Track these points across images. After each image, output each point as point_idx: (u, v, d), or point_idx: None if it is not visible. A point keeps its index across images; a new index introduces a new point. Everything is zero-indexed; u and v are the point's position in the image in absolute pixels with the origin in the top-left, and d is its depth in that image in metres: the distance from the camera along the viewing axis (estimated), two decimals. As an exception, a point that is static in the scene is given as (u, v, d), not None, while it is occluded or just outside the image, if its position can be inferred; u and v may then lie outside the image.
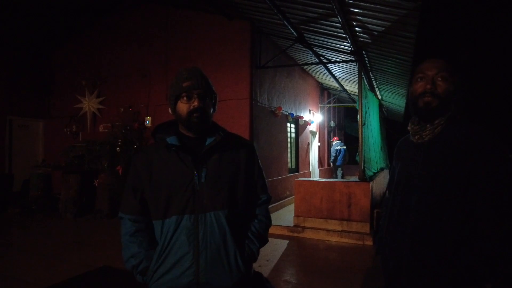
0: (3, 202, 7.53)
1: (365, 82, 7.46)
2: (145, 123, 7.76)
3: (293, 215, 6.10)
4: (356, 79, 7.40)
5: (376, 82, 9.42)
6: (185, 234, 1.28)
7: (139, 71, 8.05)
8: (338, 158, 11.71)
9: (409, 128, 1.42)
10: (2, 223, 6.69)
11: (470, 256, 1.14)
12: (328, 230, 5.69)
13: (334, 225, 5.71)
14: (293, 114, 9.16)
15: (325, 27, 6.10)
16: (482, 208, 1.16)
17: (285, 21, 5.76)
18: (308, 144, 11.15)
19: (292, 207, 6.64)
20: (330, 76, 9.55)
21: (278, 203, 7.87)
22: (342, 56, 7.32)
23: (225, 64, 7.11)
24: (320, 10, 5.40)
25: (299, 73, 10.07)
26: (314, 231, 5.77)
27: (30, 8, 7.60)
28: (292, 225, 6.03)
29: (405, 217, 1.31)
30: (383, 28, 5.32)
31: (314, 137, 11.93)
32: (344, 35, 5.92)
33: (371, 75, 8.60)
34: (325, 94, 12.98)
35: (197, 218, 1.29)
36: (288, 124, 9.26)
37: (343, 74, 9.48)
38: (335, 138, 12.26)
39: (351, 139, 16.63)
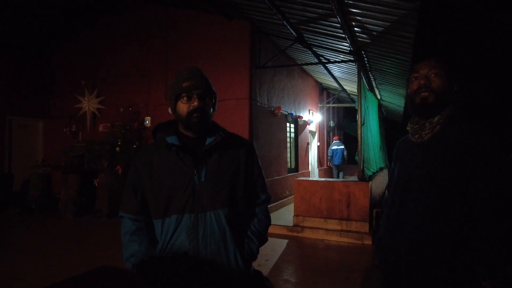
0: (3, 202, 7.53)
1: (364, 82, 7.47)
2: (145, 123, 7.77)
3: (293, 214, 6.11)
4: (356, 79, 7.42)
5: (375, 82, 9.44)
6: (185, 233, 1.29)
7: (139, 71, 8.05)
8: (334, 158, 11.73)
9: (408, 128, 1.42)
10: (2, 223, 6.69)
11: (468, 256, 1.15)
12: (327, 230, 5.70)
13: (333, 224, 5.72)
14: (292, 114, 9.17)
15: (324, 27, 6.11)
16: (481, 208, 1.16)
17: (284, 21, 5.77)
18: (308, 144, 11.16)
19: (291, 206, 6.65)
20: (330, 76, 9.56)
21: (277, 202, 7.88)
22: (341, 56, 7.33)
23: (224, 64, 7.12)
24: (320, 10, 5.41)
25: (299, 73, 10.08)
26: (313, 231, 5.78)
27: (30, 8, 7.60)
28: (291, 224, 6.05)
29: (404, 216, 1.32)
30: (382, 28, 5.34)
31: (313, 137, 11.95)
32: (343, 35, 5.93)
33: (370, 75, 8.62)
34: (325, 94, 12.99)
35: (197, 217, 1.30)
36: (288, 124, 9.28)
37: (342, 74, 9.50)
38: (335, 138, 12.28)
39: (351, 139, 16.65)
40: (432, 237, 1.22)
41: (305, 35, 6.65)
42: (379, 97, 11.24)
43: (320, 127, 12.41)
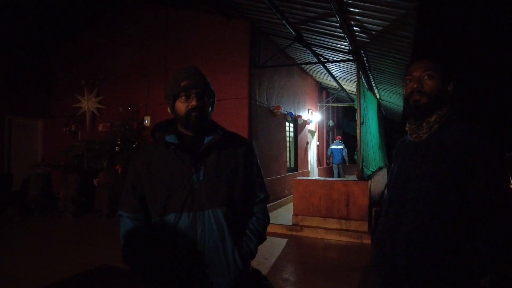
0: (2, 201, 7.54)
1: (364, 81, 7.48)
2: (144, 123, 7.77)
3: (292, 213, 6.12)
4: (355, 78, 7.42)
5: (374, 81, 9.45)
6: (183, 232, 1.30)
7: (139, 71, 8.06)
8: (334, 157, 11.91)
9: (406, 128, 1.43)
10: (1, 223, 6.70)
11: (467, 256, 1.15)
12: (326, 229, 5.72)
13: (332, 223, 5.73)
14: (292, 113, 9.18)
15: (323, 26, 6.12)
16: (480, 208, 1.16)
17: (283, 21, 5.77)
18: (307, 143, 11.17)
19: (291, 206, 6.67)
20: (329, 75, 9.57)
21: (277, 202, 7.89)
22: (340, 55, 7.34)
23: (224, 63, 7.12)
24: (319, 10, 5.42)
25: (298, 72, 10.08)
26: (312, 230, 5.79)
27: (30, 7, 7.60)
28: (290, 223, 6.06)
29: (403, 216, 1.32)
30: (381, 28, 5.35)
31: (313, 136, 11.96)
32: (343, 35, 5.94)
33: (370, 74, 8.63)
34: (324, 93, 13.00)
35: (196, 216, 1.31)
36: (287, 123, 9.29)
37: (341, 74, 9.51)
38: (338, 138, 12.42)
39: (350, 138, 16.66)
40: (432, 236, 1.22)
41: (304, 34, 6.66)
42: (378, 96, 11.25)
43: (320, 126, 12.42)
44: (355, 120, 6.53)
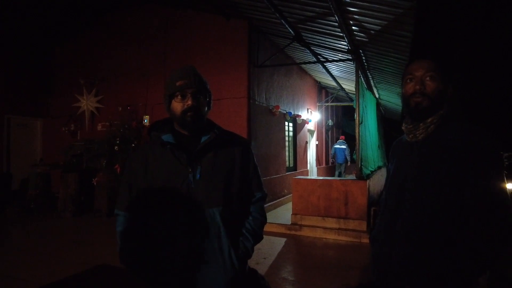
0: (1, 201, 7.53)
1: (362, 81, 7.48)
2: (143, 122, 7.77)
3: (291, 213, 6.13)
4: (354, 77, 7.42)
5: (373, 80, 9.45)
6: (179, 231, 1.30)
7: (138, 70, 8.05)
8: (337, 157, 12.10)
9: (403, 127, 1.43)
10: (1, 222, 6.69)
11: (463, 254, 1.15)
12: (325, 228, 5.72)
13: (331, 223, 5.74)
14: (291, 113, 9.18)
15: (322, 26, 6.12)
16: (477, 207, 1.16)
17: (282, 20, 5.77)
18: (306, 142, 11.17)
19: (289, 205, 6.67)
20: (328, 75, 9.57)
21: (276, 201, 7.89)
22: (339, 55, 7.34)
23: (223, 63, 7.12)
24: (317, 9, 5.42)
25: (297, 72, 10.08)
26: (311, 229, 5.80)
27: (30, 7, 7.59)
28: (289, 223, 6.06)
29: (400, 216, 1.32)
30: (380, 27, 5.35)
31: (312, 136, 11.96)
32: (341, 34, 5.94)
33: (369, 73, 8.63)
34: (323, 93, 13.00)
35: (192, 215, 1.31)
36: (286, 123, 9.29)
37: (340, 73, 9.51)
38: (341, 138, 12.61)
39: (349, 138, 16.66)
40: (428, 236, 1.22)
41: (303, 34, 6.66)
42: (377, 96, 11.25)
43: (319, 126, 12.42)
44: (354, 120, 6.54)
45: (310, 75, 11.34)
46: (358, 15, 5.16)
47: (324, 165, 13.00)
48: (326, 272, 4.05)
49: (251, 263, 1.46)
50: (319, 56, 7.78)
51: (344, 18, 5.31)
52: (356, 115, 6.27)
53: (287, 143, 9.33)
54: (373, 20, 5.17)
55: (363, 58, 7.29)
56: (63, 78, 9.18)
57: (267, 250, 4.81)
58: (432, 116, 1.31)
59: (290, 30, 6.20)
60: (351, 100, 12.44)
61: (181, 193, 1.31)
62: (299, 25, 6.31)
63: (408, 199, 1.30)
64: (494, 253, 1.13)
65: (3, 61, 8.42)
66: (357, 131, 6.19)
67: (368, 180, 5.85)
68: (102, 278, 3.86)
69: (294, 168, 9.91)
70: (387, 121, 16.00)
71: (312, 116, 11.34)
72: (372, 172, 6.94)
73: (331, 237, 5.62)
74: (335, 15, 5.09)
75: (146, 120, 7.75)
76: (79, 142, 8.15)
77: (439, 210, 1.22)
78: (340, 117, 15.99)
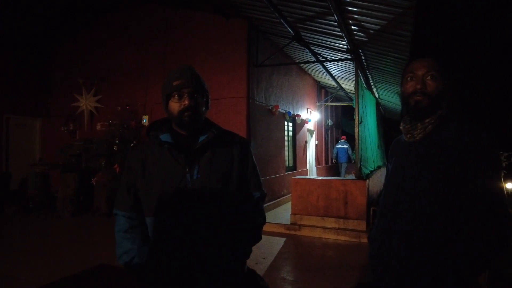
0: (0, 201, 7.52)
1: (362, 80, 7.47)
2: (142, 122, 7.77)
3: (290, 213, 6.12)
4: (353, 77, 7.41)
5: (373, 80, 9.45)
6: (177, 231, 1.29)
7: (137, 70, 8.05)
8: (339, 157, 12.40)
9: (401, 127, 1.42)
10: (0, 222, 6.69)
11: (461, 254, 1.15)
12: (324, 228, 5.72)
13: (330, 223, 5.74)
14: (290, 112, 9.17)
15: (321, 25, 6.11)
16: (475, 207, 1.15)
17: (281, 20, 5.77)
18: (306, 142, 11.17)
19: (289, 205, 6.67)
20: (327, 74, 9.57)
21: (275, 201, 7.89)
22: (339, 54, 7.33)
23: (222, 62, 7.12)
24: (317, 9, 5.41)
25: (297, 71, 10.08)
26: (310, 229, 5.80)
27: (29, 7, 7.57)
28: (289, 223, 6.06)
29: (398, 216, 1.31)
30: (379, 27, 5.34)
31: (311, 136, 11.96)
32: (341, 34, 5.94)
33: (368, 73, 8.62)
34: (323, 92, 12.99)
35: (189, 215, 1.30)
36: (286, 123, 9.28)
37: (340, 73, 9.50)
38: (343, 138, 12.85)
39: (349, 138, 16.66)
40: (426, 236, 1.21)
41: (302, 33, 6.65)
42: (377, 95, 11.26)
43: (318, 125, 12.42)
44: (353, 119, 6.53)
45: (309, 75, 11.34)
46: (357, 15, 5.16)
47: (323, 164, 12.99)
48: (326, 272, 4.05)
49: (250, 263, 1.45)
50: (318, 56, 7.77)
51: (344, 17, 5.30)
52: (355, 115, 6.26)
53: (286, 143, 9.33)
54: (372, 19, 5.17)
55: (363, 57, 7.29)
56: (62, 78, 9.17)
57: (267, 250, 4.81)
58: (431, 116, 1.30)
59: (290, 30, 6.20)
60: (351, 99, 12.44)
61: (179, 192, 1.31)
62: (299, 25, 6.30)
63: (407, 199, 1.30)
64: (493, 253, 1.13)
65: (2, 60, 8.40)
66: (356, 130, 6.19)
67: (367, 180, 5.85)
68: (102, 278, 3.85)
69: (294, 168, 9.90)
70: (386, 121, 16.00)
71: (311, 116, 11.34)
72: (371, 172, 6.94)
73: (331, 237, 5.61)
74: (335, 15, 5.08)
75: (145, 120, 7.75)
76: (78, 141, 8.14)
77: (437, 210, 1.21)
78: (339, 116, 15.99)
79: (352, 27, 5.67)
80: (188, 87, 1.34)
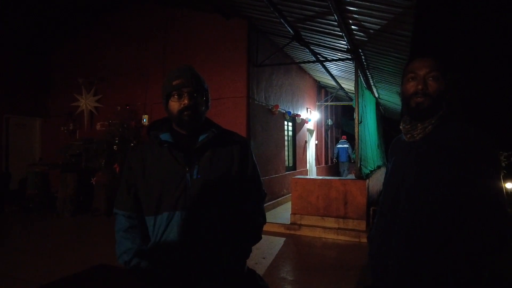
0: (0, 200, 7.51)
1: (362, 80, 7.47)
2: (142, 121, 7.77)
3: (290, 212, 6.12)
4: (353, 77, 7.41)
5: (373, 80, 9.44)
6: (176, 231, 1.29)
7: (137, 70, 8.05)
8: (340, 156, 12.61)
9: (401, 127, 1.42)
10: (0, 222, 6.69)
11: (461, 254, 1.15)
12: (324, 228, 5.72)
13: (330, 222, 5.74)
14: (290, 112, 9.17)
15: (321, 25, 6.11)
16: (475, 207, 1.15)
17: (281, 19, 5.77)
18: (306, 142, 11.17)
19: (289, 205, 6.67)
20: (327, 74, 9.57)
21: (275, 200, 7.89)
22: (339, 54, 7.33)
23: (222, 62, 7.12)
24: (317, 8, 5.41)
25: (296, 71, 10.07)
26: (310, 229, 5.80)
27: (29, 6, 7.57)
28: (288, 222, 6.06)
29: (397, 215, 1.31)
30: (379, 27, 5.34)
31: (311, 135, 11.96)
32: (341, 33, 5.94)
33: (368, 73, 8.62)
34: (323, 92, 12.99)
35: (189, 214, 1.30)
36: (285, 122, 9.28)
37: (340, 72, 9.50)
38: (343, 137, 13.02)
39: (349, 137, 16.66)
40: (425, 236, 1.21)
41: (302, 33, 6.65)
42: (376, 95, 11.26)
43: (318, 125, 12.42)
44: (353, 119, 6.53)
45: (309, 75, 11.34)
46: (357, 15, 5.15)
47: (323, 164, 13.00)
48: (326, 272, 4.05)
49: (250, 263, 1.45)
50: (318, 56, 7.77)
51: (344, 17, 5.30)
52: (355, 115, 6.26)
53: (286, 143, 9.33)
54: (372, 19, 5.16)
55: (363, 57, 7.29)
56: (62, 78, 9.17)
57: (266, 250, 4.81)
58: (432, 117, 1.30)
59: (290, 30, 6.19)
60: (351, 99, 12.44)
61: (178, 192, 1.30)
62: (299, 24, 6.30)
63: (406, 199, 1.30)
64: (493, 253, 1.13)
65: (2, 60, 8.40)
66: (356, 130, 6.19)
67: (367, 180, 5.85)
68: (102, 278, 3.85)
69: (294, 167, 9.90)
70: (386, 121, 16.00)
71: (311, 116, 11.34)
72: (371, 171, 6.94)
73: (331, 236, 5.61)
74: (335, 15, 5.08)
75: (145, 120, 7.75)
76: (78, 141, 8.13)
77: (437, 210, 1.21)
78: (339, 116, 15.99)
79: (352, 27, 5.67)
80: (188, 86, 1.34)
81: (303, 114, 10.50)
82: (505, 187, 9.82)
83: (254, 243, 1.44)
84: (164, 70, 7.61)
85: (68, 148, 7.97)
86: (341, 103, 13.77)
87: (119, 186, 1.47)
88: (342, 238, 5.53)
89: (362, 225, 5.53)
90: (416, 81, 1.30)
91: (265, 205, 1.57)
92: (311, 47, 7.34)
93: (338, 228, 5.64)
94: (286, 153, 9.33)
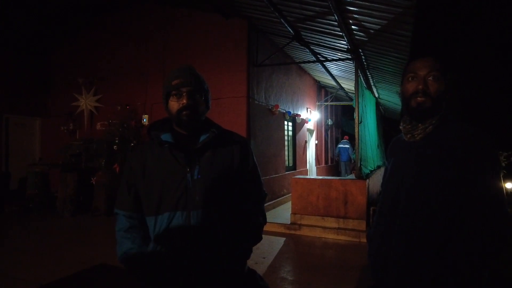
0: (0, 200, 7.51)
1: (362, 80, 7.47)
2: (142, 121, 7.76)
3: (290, 212, 6.12)
4: (353, 77, 7.42)
5: (373, 80, 9.45)
6: (177, 231, 1.29)
7: (137, 70, 8.05)
8: (341, 156, 12.79)
9: (401, 127, 1.41)
10: (0, 222, 6.68)
11: (461, 255, 1.15)
12: (324, 228, 5.72)
13: (330, 222, 5.74)
14: (290, 112, 9.17)
15: (321, 25, 6.11)
16: (475, 207, 1.15)
17: (282, 19, 5.76)
18: (306, 142, 11.17)
19: (289, 204, 6.67)
20: (327, 74, 9.57)
21: (275, 200, 7.89)
22: (339, 54, 7.33)
23: (222, 62, 7.12)
24: (317, 8, 5.41)
25: (296, 71, 10.07)
26: (310, 229, 5.80)
27: (29, 6, 7.57)
28: (289, 222, 6.06)
29: (397, 216, 1.31)
30: (379, 27, 5.34)
31: (311, 135, 11.96)
32: (341, 33, 5.94)
33: (368, 73, 8.62)
34: (323, 92, 12.99)
35: (189, 214, 1.29)
36: (285, 122, 9.28)
37: (340, 72, 9.50)
38: (345, 138, 13.15)
39: (349, 137, 16.66)
40: (425, 236, 1.21)
41: (302, 33, 6.65)
42: (376, 95, 11.26)
43: (318, 125, 12.42)
44: (353, 119, 6.53)
45: (309, 75, 11.34)
46: (357, 15, 5.15)
47: (323, 164, 13.00)
48: (326, 272, 4.05)
49: (250, 262, 1.44)
50: (318, 55, 7.77)
51: (344, 17, 5.30)
52: (355, 115, 6.26)
53: (286, 143, 9.33)
54: (372, 19, 5.17)
55: (363, 57, 7.29)
56: (62, 77, 9.17)
57: (267, 250, 4.81)
58: (432, 117, 1.29)
59: (290, 29, 6.19)
60: (351, 99, 12.44)
61: (179, 192, 1.30)
62: (299, 24, 6.29)
63: (406, 199, 1.29)
64: (493, 253, 1.13)
65: (2, 60, 8.39)
66: (356, 130, 6.19)
67: (367, 180, 5.85)
68: (102, 278, 3.85)
69: (294, 167, 9.90)
70: (386, 121, 16.01)
71: (311, 116, 11.34)
72: (371, 171, 6.95)
73: (331, 236, 5.61)
74: (335, 14, 5.08)
75: (145, 120, 7.75)
76: (78, 141, 8.12)
77: (437, 210, 1.21)
78: (339, 116, 16.00)
79: (352, 26, 5.67)
80: (187, 86, 1.34)
81: (303, 114, 10.50)
82: (505, 187, 9.82)
83: (254, 243, 1.44)
84: (164, 70, 7.61)
85: (68, 148, 7.96)
86: (341, 103, 13.77)
87: (119, 186, 1.47)
88: (342, 238, 5.53)
89: (362, 225, 5.53)
90: (417, 81, 1.29)
91: (265, 205, 1.56)
92: (311, 47, 7.34)
93: (338, 228, 5.64)
94: (286, 153, 9.33)
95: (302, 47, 7.64)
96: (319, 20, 5.89)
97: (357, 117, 6.22)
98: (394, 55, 6.55)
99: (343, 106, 14.89)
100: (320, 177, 6.70)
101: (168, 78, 1.37)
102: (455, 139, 1.23)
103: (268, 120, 7.94)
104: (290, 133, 9.83)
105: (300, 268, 4.31)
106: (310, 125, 11.40)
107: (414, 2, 4.30)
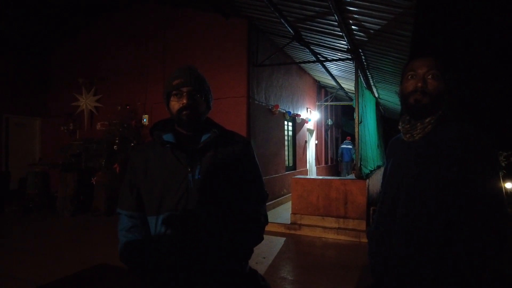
0: (0, 200, 7.51)
1: (362, 80, 7.48)
2: (142, 121, 7.76)
3: (290, 212, 6.13)
4: (353, 77, 7.42)
5: (373, 80, 9.45)
6: (178, 231, 1.29)
7: (137, 69, 8.05)
8: (344, 156, 13.07)
9: (399, 127, 1.41)
10: (0, 222, 6.68)
11: (461, 255, 1.15)
12: (324, 228, 5.72)
13: (330, 222, 5.74)
14: (290, 112, 9.17)
15: (322, 25, 6.11)
16: (475, 208, 1.15)
17: (282, 19, 5.76)
18: (306, 142, 11.17)
19: (289, 204, 6.67)
20: (327, 74, 9.57)
21: (275, 200, 7.89)
22: (339, 54, 7.33)
23: (222, 62, 7.12)
24: (317, 8, 5.41)
25: (296, 71, 10.08)
26: (310, 229, 5.80)
27: (29, 6, 7.57)
28: (289, 222, 6.06)
29: (397, 216, 1.31)
30: (379, 27, 5.35)
31: (311, 135, 11.96)
32: (341, 33, 5.94)
33: (368, 73, 8.63)
34: (323, 92, 12.99)
35: (191, 215, 1.30)
36: (285, 122, 9.28)
37: (340, 72, 9.50)
38: (348, 138, 13.36)
39: (350, 138, 16.67)
40: (424, 236, 1.22)
41: (302, 33, 6.65)
42: (376, 95, 11.26)
43: (318, 125, 12.42)
44: (353, 119, 6.53)
45: (309, 75, 11.34)
46: (357, 15, 5.16)
47: (323, 164, 13.00)
48: (326, 272, 4.05)
49: (250, 262, 1.45)
50: (318, 56, 7.77)
51: (344, 17, 5.30)
52: (355, 115, 6.27)
53: (286, 143, 9.33)
54: (372, 19, 5.17)
55: (363, 57, 7.29)
56: (62, 77, 9.16)
57: (267, 250, 4.81)
58: (431, 116, 1.30)
59: (290, 29, 6.19)
60: (351, 99, 12.44)
61: (180, 192, 1.30)
62: (299, 24, 6.30)
63: (406, 199, 1.29)
64: (493, 253, 1.13)
65: (2, 60, 8.39)
66: (356, 130, 6.19)
67: (367, 180, 5.85)
68: (102, 277, 3.85)
69: (294, 167, 9.91)
70: (386, 121, 16.01)
71: (311, 116, 11.34)
72: (371, 171, 6.95)
73: (331, 236, 5.62)
74: (335, 15, 5.08)
75: (145, 120, 7.75)
76: (78, 141, 8.12)
77: (437, 210, 1.21)
78: (339, 116, 16.00)
79: (352, 27, 5.67)
80: (187, 86, 1.34)
81: (303, 114, 10.50)
82: (505, 187, 9.82)
83: (255, 244, 1.43)
84: (164, 70, 7.61)
85: (68, 148, 7.96)
86: (341, 103, 13.77)
87: (121, 186, 1.47)
88: (342, 237, 5.53)
89: (362, 225, 5.54)
90: (416, 79, 1.29)
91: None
92: (311, 47, 7.34)
93: (338, 228, 5.64)
94: (286, 153, 9.33)
95: (302, 47, 7.64)
96: (319, 20, 5.89)
97: (357, 117, 6.22)
98: (394, 55, 6.55)
99: (343, 106, 14.89)
100: (320, 177, 6.71)
101: (169, 78, 1.38)
102: (454, 139, 1.23)
103: (268, 120, 7.94)
104: (290, 133, 9.83)
105: (300, 268, 4.31)
106: (310, 125, 11.40)
107: (414, 2, 4.30)
